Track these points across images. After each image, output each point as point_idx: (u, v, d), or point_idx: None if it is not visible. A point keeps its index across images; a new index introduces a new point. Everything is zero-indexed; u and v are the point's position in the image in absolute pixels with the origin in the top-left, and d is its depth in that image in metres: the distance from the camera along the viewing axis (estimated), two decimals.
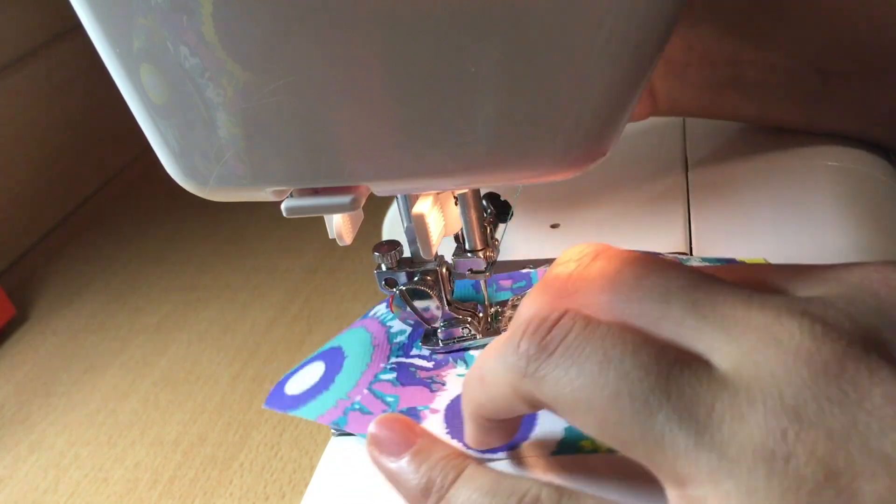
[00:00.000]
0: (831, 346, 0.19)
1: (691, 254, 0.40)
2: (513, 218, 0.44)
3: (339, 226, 0.31)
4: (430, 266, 0.32)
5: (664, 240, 0.41)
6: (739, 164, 0.47)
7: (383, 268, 0.33)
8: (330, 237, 0.31)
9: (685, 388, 0.19)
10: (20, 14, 0.74)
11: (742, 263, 0.25)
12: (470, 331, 0.34)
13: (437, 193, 0.31)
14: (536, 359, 0.21)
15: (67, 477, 0.46)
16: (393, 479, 0.24)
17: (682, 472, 0.19)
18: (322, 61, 0.22)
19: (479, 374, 0.23)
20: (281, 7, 0.21)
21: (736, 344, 0.20)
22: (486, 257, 0.32)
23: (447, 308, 0.33)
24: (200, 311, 0.59)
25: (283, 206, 0.26)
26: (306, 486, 0.31)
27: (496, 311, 0.35)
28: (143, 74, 0.23)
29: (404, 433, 0.24)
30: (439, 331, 0.34)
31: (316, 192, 0.26)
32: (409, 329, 0.35)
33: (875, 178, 0.45)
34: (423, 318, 0.34)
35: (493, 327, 0.35)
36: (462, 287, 0.38)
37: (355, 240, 0.32)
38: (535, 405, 0.22)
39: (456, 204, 0.32)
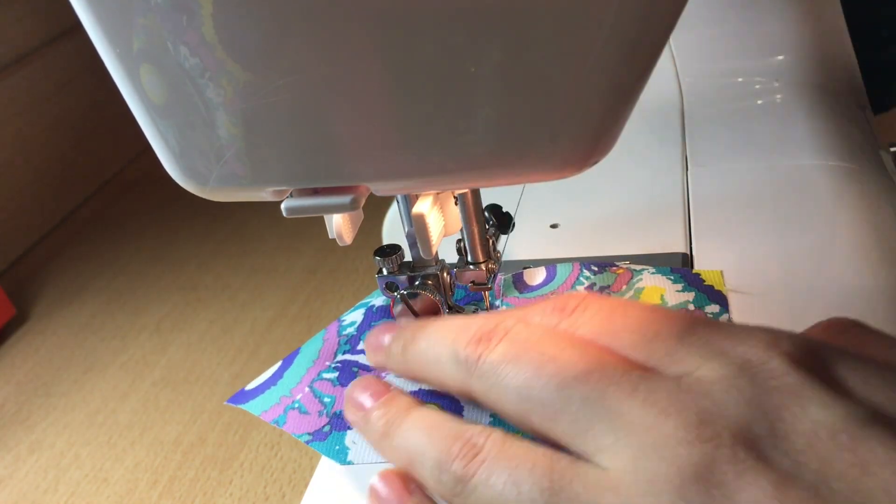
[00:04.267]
0: (701, 449, 0.21)
1: (691, 255, 0.40)
2: (514, 218, 0.44)
3: (339, 226, 0.31)
4: (431, 270, 0.33)
5: (664, 240, 0.41)
6: (739, 164, 0.47)
7: (384, 272, 0.33)
8: (330, 237, 0.31)
9: (575, 500, 0.22)
10: (20, 14, 0.74)
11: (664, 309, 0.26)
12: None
13: (437, 193, 0.31)
14: (461, 481, 0.24)
15: (67, 477, 0.46)
16: None
17: None
18: (322, 61, 0.22)
19: (408, 455, 0.26)
20: (281, 7, 0.21)
21: (623, 445, 0.22)
22: (488, 269, 0.32)
23: (447, 312, 0.33)
24: (200, 311, 0.59)
25: (282, 206, 0.26)
26: (306, 486, 0.31)
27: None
28: (143, 74, 0.23)
29: (401, 490, 0.26)
30: None
31: (316, 192, 0.26)
32: (358, 321, 0.35)
33: (875, 178, 0.45)
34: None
35: None
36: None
37: (355, 240, 0.32)
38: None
39: (456, 204, 0.32)
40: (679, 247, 0.40)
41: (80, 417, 0.50)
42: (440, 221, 0.32)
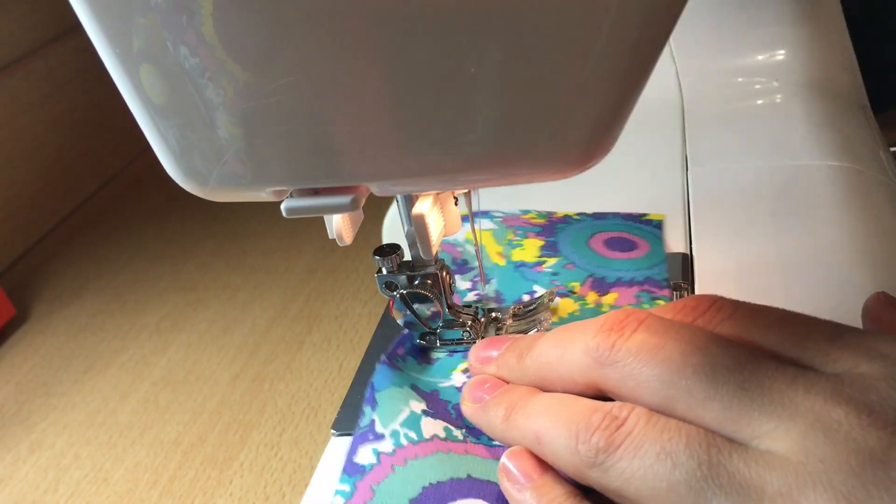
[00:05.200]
0: (877, 435, 0.20)
1: (691, 255, 0.40)
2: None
3: (339, 226, 0.31)
4: (431, 269, 0.33)
5: (664, 240, 0.41)
6: (739, 164, 0.47)
7: (384, 271, 0.33)
8: (330, 237, 0.31)
9: (735, 474, 0.21)
10: (20, 14, 0.74)
11: (755, 306, 0.26)
12: (470, 334, 0.34)
13: (437, 194, 0.31)
14: (605, 451, 0.23)
15: (67, 477, 0.46)
16: None
17: None
18: (322, 61, 0.22)
19: (535, 433, 0.25)
20: (281, 7, 0.21)
21: (784, 429, 0.21)
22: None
23: (447, 311, 0.33)
24: (200, 311, 0.59)
25: (282, 207, 0.26)
26: (306, 486, 0.31)
27: (496, 318, 0.35)
28: (142, 74, 0.23)
29: (529, 467, 0.26)
30: (438, 332, 0.34)
31: (316, 192, 0.26)
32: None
33: (875, 178, 0.45)
34: (422, 322, 0.34)
35: (492, 333, 0.35)
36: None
37: (355, 240, 0.32)
38: (605, 490, 0.24)
39: (456, 204, 0.32)
40: (679, 247, 0.40)
41: (80, 417, 0.50)
42: (440, 221, 0.32)
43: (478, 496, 0.28)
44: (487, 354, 0.30)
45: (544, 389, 0.28)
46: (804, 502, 0.20)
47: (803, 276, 0.36)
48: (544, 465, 0.26)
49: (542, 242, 0.41)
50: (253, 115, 0.23)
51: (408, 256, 0.33)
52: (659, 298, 0.35)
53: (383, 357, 0.34)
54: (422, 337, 0.35)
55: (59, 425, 0.50)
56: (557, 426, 0.25)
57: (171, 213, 0.75)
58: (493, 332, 0.35)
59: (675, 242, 0.41)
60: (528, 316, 0.35)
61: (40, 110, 0.75)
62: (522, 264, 0.39)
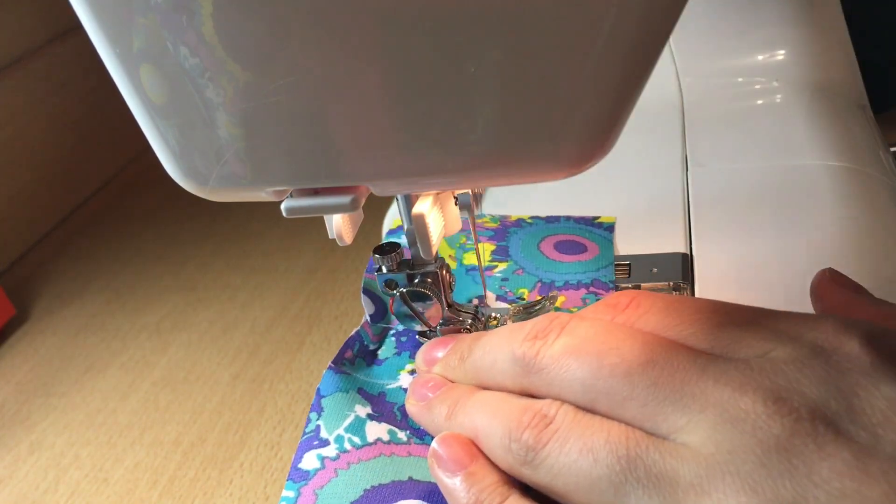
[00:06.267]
0: (781, 423, 0.21)
1: (691, 255, 0.40)
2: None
3: (339, 226, 0.31)
4: (430, 268, 0.33)
5: (664, 240, 0.41)
6: (739, 164, 0.47)
7: (384, 270, 0.33)
8: (330, 237, 0.31)
9: (652, 468, 0.22)
10: (20, 14, 0.74)
11: (689, 299, 0.26)
12: (469, 333, 0.34)
13: (437, 193, 0.31)
14: (534, 448, 0.24)
15: (67, 477, 0.46)
16: (446, 492, 0.26)
17: None
18: (322, 61, 0.22)
19: (473, 430, 0.26)
20: (281, 7, 0.21)
21: (696, 422, 0.22)
22: (473, 192, 0.32)
23: (447, 310, 0.33)
24: (200, 311, 0.59)
25: (282, 207, 0.26)
26: None
27: (497, 318, 0.35)
28: (143, 74, 0.23)
29: (461, 454, 0.26)
30: (439, 329, 0.34)
31: (316, 192, 0.26)
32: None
33: (875, 178, 0.45)
34: (422, 320, 0.34)
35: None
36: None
37: (355, 240, 0.32)
38: (536, 487, 0.25)
39: (456, 204, 0.32)
40: (679, 247, 0.40)
41: (80, 417, 0.50)
42: (440, 221, 0.32)
43: (418, 497, 0.28)
44: (433, 356, 0.31)
45: (485, 388, 0.28)
46: (714, 493, 0.20)
47: (803, 276, 0.36)
48: (475, 452, 0.26)
49: (493, 247, 0.41)
50: (253, 115, 0.23)
51: (407, 255, 0.33)
52: None
53: (330, 363, 0.34)
54: (422, 335, 0.35)
55: (59, 425, 0.50)
56: (493, 424, 0.25)
57: (171, 213, 0.75)
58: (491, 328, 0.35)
59: (675, 242, 0.41)
60: (529, 317, 0.35)
61: (40, 110, 0.75)
62: (473, 268, 0.40)
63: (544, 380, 0.25)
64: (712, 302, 0.26)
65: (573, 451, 0.23)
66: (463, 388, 0.28)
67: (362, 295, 0.36)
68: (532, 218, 0.43)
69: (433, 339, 0.32)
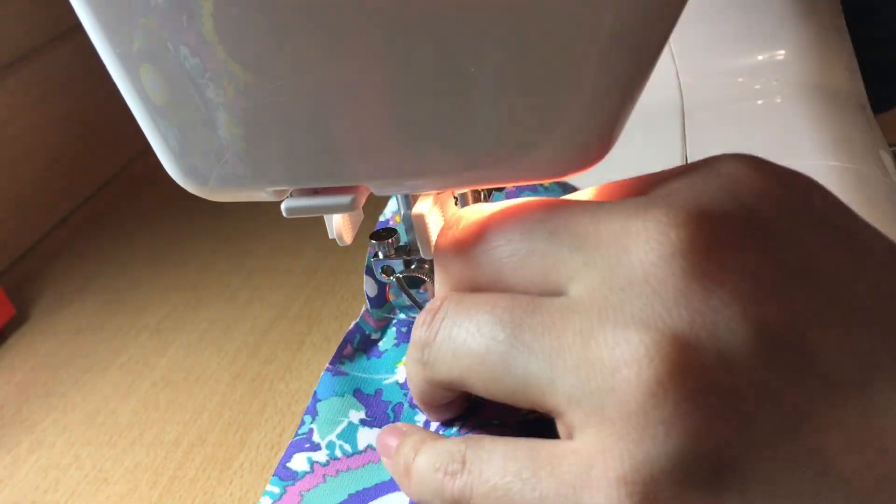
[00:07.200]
0: (677, 233, 0.19)
1: None
2: None
3: (339, 226, 0.31)
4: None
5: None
6: None
7: (380, 255, 0.33)
8: (330, 237, 0.31)
9: (537, 327, 0.20)
10: (20, 14, 0.74)
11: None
12: None
13: (438, 193, 0.31)
14: (426, 345, 0.23)
15: (67, 477, 0.46)
16: (393, 473, 0.26)
17: (551, 402, 0.20)
18: (323, 61, 0.22)
19: (406, 371, 0.26)
20: (281, 7, 0.21)
21: (589, 264, 0.20)
22: None
23: None
24: (200, 311, 0.59)
25: (282, 206, 0.26)
26: None
27: None
28: (143, 74, 0.23)
29: (389, 432, 0.26)
30: None
31: (316, 191, 0.26)
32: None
33: (876, 178, 0.45)
34: (418, 305, 0.34)
35: None
36: None
37: (355, 240, 0.32)
38: (449, 388, 0.24)
39: (456, 204, 0.32)
40: None
41: (80, 417, 0.50)
42: (440, 221, 0.32)
43: (398, 490, 0.28)
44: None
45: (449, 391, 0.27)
46: (599, 335, 0.19)
47: None
48: (401, 430, 0.26)
49: None
50: (253, 115, 0.23)
51: (404, 240, 0.33)
52: None
53: (328, 364, 0.34)
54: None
55: (59, 425, 0.50)
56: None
57: (171, 213, 0.75)
58: None
59: None
60: None
61: (40, 110, 0.75)
62: None
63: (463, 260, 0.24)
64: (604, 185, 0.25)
65: (461, 333, 0.22)
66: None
67: (365, 276, 0.36)
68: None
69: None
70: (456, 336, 0.22)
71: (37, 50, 0.75)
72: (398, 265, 0.32)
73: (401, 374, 0.34)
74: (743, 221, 0.20)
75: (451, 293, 0.24)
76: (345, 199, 0.25)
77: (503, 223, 0.23)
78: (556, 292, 0.22)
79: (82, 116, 0.80)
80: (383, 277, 0.33)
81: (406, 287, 0.33)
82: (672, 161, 0.49)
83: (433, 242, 0.31)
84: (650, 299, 0.19)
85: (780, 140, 0.49)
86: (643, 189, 0.23)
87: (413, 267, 0.32)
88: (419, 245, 0.31)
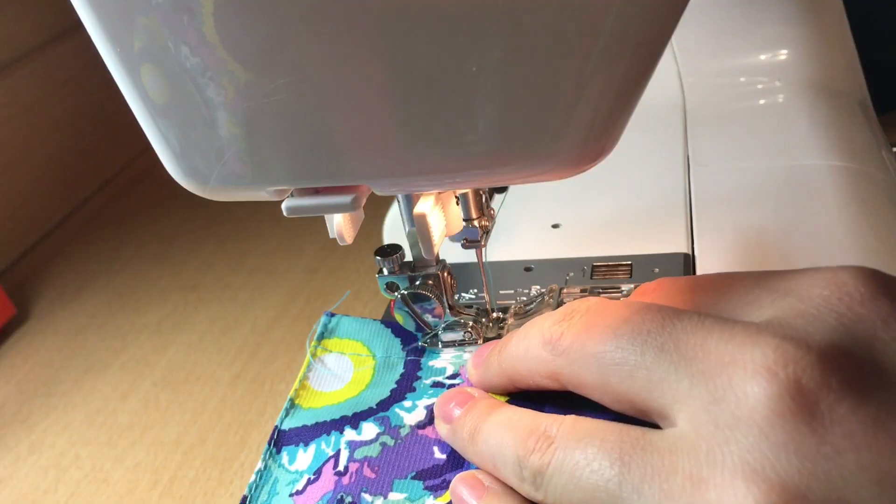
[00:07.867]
0: (786, 377, 0.19)
1: (693, 255, 0.40)
2: (514, 217, 0.44)
3: (340, 225, 0.30)
4: (432, 270, 0.32)
5: (665, 240, 0.41)
6: (741, 164, 0.47)
7: (385, 272, 0.33)
8: (330, 237, 0.31)
9: (647, 467, 0.20)
10: (20, 14, 0.74)
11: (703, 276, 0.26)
12: (471, 334, 0.34)
13: (439, 193, 0.31)
14: (541, 473, 0.23)
15: (67, 477, 0.46)
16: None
17: None
18: (323, 61, 0.22)
19: (491, 459, 0.26)
20: (282, 7, 0.21)
21: (694, 391, 0.20)
22: (481, 226, 0.32)
23: (448, 312, 0.33)
24: (200, 311, 0.59)
25: (283, 206, 0.26)
26: None
27: (498, 317, 0.35)
28: (143, 74, 0.23)
29: (476, 485, 0.26)
30: (439, 333, 0.34)
31: (317, 191, 0.26)
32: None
33: (877, 178, 0.45)
34: (423, 322, 0.34)
35: (494, 333, 0.35)
36: None
37: (356, 240, 0.31)
38: None
39: (457, 203, 0.32)
40: (681, 247, 0.40)
41: (80, 417, 0.50)
42: (442, 221, 0.31)
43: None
44: (480, 359, 0.30)
45: (516, 385, 0.28)
46: (711, 480, 0.19)
47: None
48: (482, 488, 0.26)
49: None
50: (254, 115, 0.23)
51: (409, 257, 0.33)
52: None
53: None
54: (424, 337, 0.35)
55: (59, 425, 0.50)
56: (506, 453, 0.25)
57: (171, 213, 0.75)
58: (495, 331, 0.35)
59: (676, 242, 0.41)
60: (530, 315, 0.35)
61: (40, 110, 0.75)
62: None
63: (567, 360, 0.25)
64: (730, 273, 0.25)
65: (570, 465, 0.22)
66: (483, 407, 0.28)
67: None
68: None
69: (481, 347, 0.31)
70: (567, 469, 0.22)
71: (37, 49, 0.75)
72: (403, 281, 0.32)
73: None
74: (858, 361, 0.19)
75: (568, 420, 0.24)
76: (345, 198, 0.25)
77: (619, 328, 0.23)
78: (660, 413, 0.22)
79: (82, 116, 0.80)
80: (388, 293, 0.33)
81: (411, 303, 0.33)
82: (673, 161, 0.49)
83: (435, 242, 0.31)
84: (757, 440, 0.18)
85: (782, 140, 0.49)
86: (758, 296, 0.23)
87: (418, 283, 0.32)
88: (420, 244, 0.31)
